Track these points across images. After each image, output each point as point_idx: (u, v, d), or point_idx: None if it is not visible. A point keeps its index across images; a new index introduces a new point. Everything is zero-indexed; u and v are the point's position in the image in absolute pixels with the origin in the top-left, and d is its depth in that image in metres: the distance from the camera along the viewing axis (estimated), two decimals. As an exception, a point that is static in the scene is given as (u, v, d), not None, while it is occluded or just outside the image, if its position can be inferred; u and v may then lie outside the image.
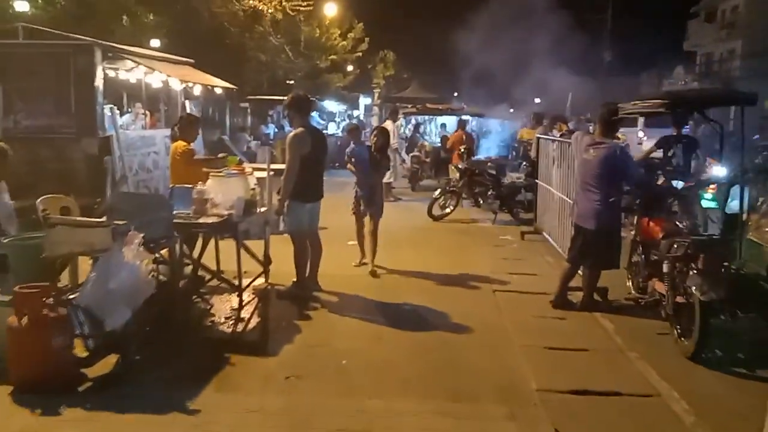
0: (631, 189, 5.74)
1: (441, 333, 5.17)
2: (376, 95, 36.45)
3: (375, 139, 7.14)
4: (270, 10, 23.90)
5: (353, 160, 7.06)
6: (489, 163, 11.29)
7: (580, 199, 5.71)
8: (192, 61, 11.77)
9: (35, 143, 8.40)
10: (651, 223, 5.43)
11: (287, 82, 27.36)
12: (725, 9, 35.42)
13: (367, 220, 7.01)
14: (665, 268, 4.91)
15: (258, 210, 6.03)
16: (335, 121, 25.32)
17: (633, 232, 6.01)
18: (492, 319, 5.51)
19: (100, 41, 8.70)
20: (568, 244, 7.45)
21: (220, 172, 5.63)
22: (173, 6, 19.35)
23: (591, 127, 9.99)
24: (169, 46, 18.53)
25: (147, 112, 11.38)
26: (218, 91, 11.62)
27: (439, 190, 10.71)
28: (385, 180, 12.68)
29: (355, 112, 33.30)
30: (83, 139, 8.60)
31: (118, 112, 9.31)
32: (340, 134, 21.10)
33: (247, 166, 6.75)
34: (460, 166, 10.89)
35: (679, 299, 4.66)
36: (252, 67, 24.83)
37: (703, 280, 4.32)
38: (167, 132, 10.97)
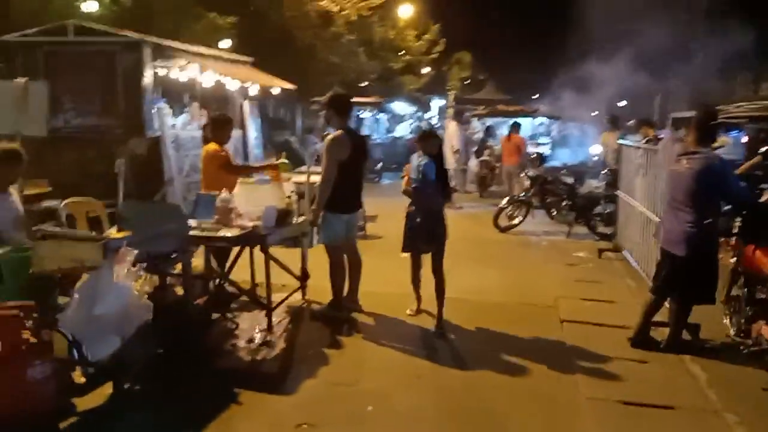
0: (733, 209, 4.71)
1: (490, 374, 4.35)
2: (451, 97, 35.59)
3: (421, 144, 5.24)
4: (344, 11, 23.63)
5: (421, 177, 5.12)
6: (563, 171, 10.25)
7: (668, 218, 4.74)
8: (251, 59, 11.40)
9: (83, 143, 8.22)
10: (758, 253, 4.39)
11: (359, 84, 27.05)
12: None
13: (426, 258, 5.45)
14: (779, 311, 3.91)
15: (294, 220, 5.43)
16: (404, 123, 24.60)
17: (733, 259, 4.97)
18: (556, 358, 4.63)
19: (147, 38, 8.38)
20: (652, 265, 6.47)
21: (250, 178, 5.05)
22: (243, 8, 19.25)
23: (681, 133, 8.85)
24: (238, 48, 18.48)
25: (204, 113, 11.08)
26: (275, 91, 11.18)
27: (506, 199, 9.80)
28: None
29: (428, 114, 32.49)
30: (131, 139, 8.32)
31: (170, 111, 8.98)
32: (409, 136, 20.45)
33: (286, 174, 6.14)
34: (530, 174, 9.93)
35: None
36: (321, 69, 24.57)
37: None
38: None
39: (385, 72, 27.71)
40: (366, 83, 26.81)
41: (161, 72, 9.42)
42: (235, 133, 10.66)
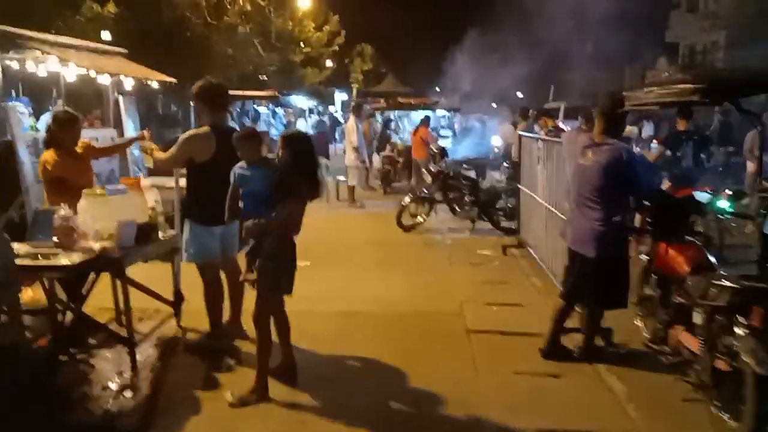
0: (643, 204, 4.40)
1: (392, 407, 3.81)
2: (354, 91, 35.09)
3: (282, 152, 3.70)
4: (237, 1, 22.49)
5: (242, 192, 3.83)
6: (465, 165, 9.92)
7: (575, 217, 4.37)
8: (124, 51, 10.26)
9: None
10: (671, 251, 4.10)
11: (259, 77, 25.93)
12: (708, -1, 34.38)
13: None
14: (698, 318, 3.60)
15: (163, 235, 4.64)
16: (305, 118, 23.81)
17: (642, 256, 4.70)
18: (464, 380, 4.15)
19: (-5, 26, 7.21)
20: (557, 262, 6.19)
21: (96, 188, 4.21)
22: None
23: (580, 123, 8.73)
24: (122, 40, 17.02)
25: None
26: (154, 84, 10.13)
27: (408, 197, 9.34)
28: (349, 183, 11.41)
29: (331, 108, 31.82)
30: (-21, 145, 7.12)
31: (26, 110, 7.81)
32: (312, 132, 19.72)
33: (145, 179, 5.33)
34: (432, 169, 9.52)
35: (721, 365, 3.34)
36: (218, 62, 23.30)
37: (759, 345, 3.01)
38: (97, 133, 9.57)
39: (286, 65, 26.76)
40: (265, 77, 25.78)
41: (14, 66, 8.23)
42: (108, 132, 9.58)
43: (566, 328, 4.61)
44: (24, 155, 7.48)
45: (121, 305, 4.56)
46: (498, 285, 6.41)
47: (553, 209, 6.32)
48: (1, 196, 7.15)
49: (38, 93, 9.50)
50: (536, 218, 7.26)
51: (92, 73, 8.46)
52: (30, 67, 7.78)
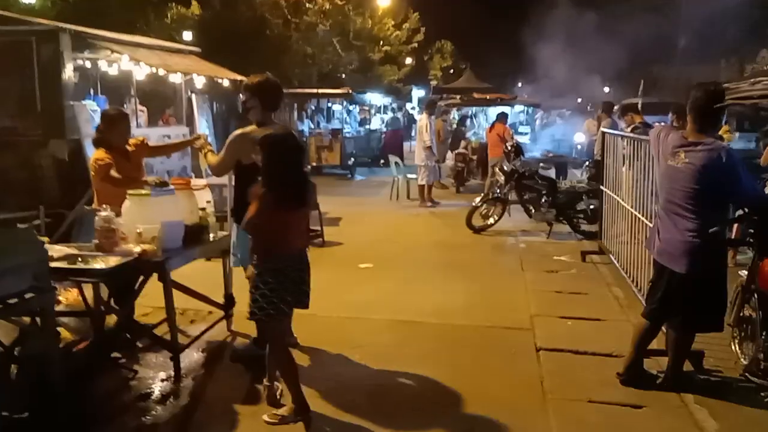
0: (745, 213, 3.78)
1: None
2: (433, 88, 34.59)
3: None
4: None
5: None
6: (542, 164, 9.31)
7: (664, 226, 3.80)
8: (197, 49, 10.34)
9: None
10: (780, 270, 3.47)
11: (338, 75, 25.97)
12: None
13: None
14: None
15: (213, 236, 4.46)
16: (381, 115, 23.61)
17: (743, 271, 4.07)
18: (528, 407, 3.69)
19: (64, 25, 7.31)
20: (641, 271, 5.56)
21: (143, 188, 4.05)
22: None
23: (670, 118, 7.93)
24: (202, 40, 17.42)
25: (144, 109, 10.04)
26: (225, 83, 10.14)
27: (479, 197, 8.85)
28: (420, 182, 11.01)
29: (408, 105, 31.50)
30: (50, 142, 7.28)
31: (98, 109, 7.93)
32: (384, 129, 19.50)
33: (198, 180, 5.16)
34: (506, 168, 8.99)
35: None
36: (297, 61, 23.49)
37: None
38: (169, 131, 9.68)
39: (364, 63, 26.68)
40: (343, 75, 25.79)
41: (88, 65, 8.39)
42: (181, 130, 9.66)
43: (650, 350, 4.06)
44: (93, 153, 7.60)
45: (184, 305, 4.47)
46: (574, 296, 5.86)
47: (638, 214, 5.71)
48: (71, 193, 7.30)
49: (115, 92, 9.68)
50: (620, 223, 6.63)
51: (162, 72, 8.50)
52: (103, 66, 7.89)
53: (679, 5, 30.44)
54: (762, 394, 3.39)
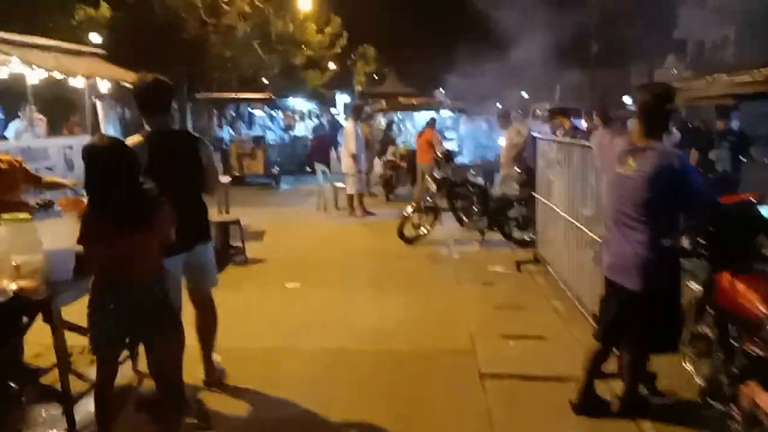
0: (699, 223, 3.56)
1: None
2: (357, 93, 34.25)
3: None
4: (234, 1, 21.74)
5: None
6: (472, 170, 9.09)
7: (614, 239, 3.52)
8: (101, 51, 9.48)
9: None
10: (739, 284, 3.25)
11: (260, 80, 25.15)
12: (717, -8, 33.38)
13: None
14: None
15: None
16: (306, 121, 23.00)
17: (696, 286, 3.86)
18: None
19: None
20: (579, 280, 5.37)
21: (22, 210, 3.41)
22: None
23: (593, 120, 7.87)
24: (113, 41, 16.31)
25: (43, 118, 9.08)
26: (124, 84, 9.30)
27: (411, 206, 8.51)
28: (348, 191, 10.56)
29: (333, 111, 31.00)
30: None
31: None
32: (310, 136, 18.92)
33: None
34: (436, 176, 8.69)
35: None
36: (215, 64, 22.56)
37: None
38: (73, 141, 8.80)
39: (287, 67, 26.00)
40: (264, 80, 25.02)
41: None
42: (86, 140, 8.79)
43: (603, 372, 3.78)
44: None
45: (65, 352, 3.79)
46: (514, 311, 5.57)
47: (573, 220, 5.52)
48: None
49: (6, 99, 8.71)
50: (554, 230, 6.45)
51: (59, 75, 7.64)
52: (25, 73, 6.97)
53: (590, 13, 31.65)
54: (730, 422, 3.14)
